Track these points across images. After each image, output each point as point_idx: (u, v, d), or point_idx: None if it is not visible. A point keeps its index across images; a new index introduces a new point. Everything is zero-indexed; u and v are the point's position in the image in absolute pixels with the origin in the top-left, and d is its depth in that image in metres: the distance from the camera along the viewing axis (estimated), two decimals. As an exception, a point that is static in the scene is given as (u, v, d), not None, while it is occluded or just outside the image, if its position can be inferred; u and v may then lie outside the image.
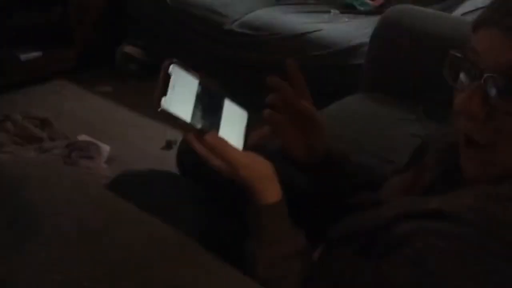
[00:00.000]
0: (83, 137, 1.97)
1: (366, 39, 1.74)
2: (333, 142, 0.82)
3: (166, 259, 0.65)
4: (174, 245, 0.68)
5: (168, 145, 2.02)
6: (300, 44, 2.04)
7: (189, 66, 0.71)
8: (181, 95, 0.69)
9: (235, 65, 2.19)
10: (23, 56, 2.33)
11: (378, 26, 1.64)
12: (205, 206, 0.89)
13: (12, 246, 0.65)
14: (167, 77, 0.68)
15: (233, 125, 0.74)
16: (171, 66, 0.68)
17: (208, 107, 0.72)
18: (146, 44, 2.55)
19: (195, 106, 0.70)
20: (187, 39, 2.32)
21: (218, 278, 0.64)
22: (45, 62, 2.40)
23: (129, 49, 2.58)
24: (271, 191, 0.70)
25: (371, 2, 2.31)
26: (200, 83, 0.72)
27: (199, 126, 0.69)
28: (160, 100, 0.66)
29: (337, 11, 2.27)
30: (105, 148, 1.95)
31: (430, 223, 0.57)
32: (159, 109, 0.66)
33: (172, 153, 1.03)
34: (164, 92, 0.67)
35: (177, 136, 1.91)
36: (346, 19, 2.19)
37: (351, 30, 2.05)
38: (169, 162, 1.07)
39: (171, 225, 0.69)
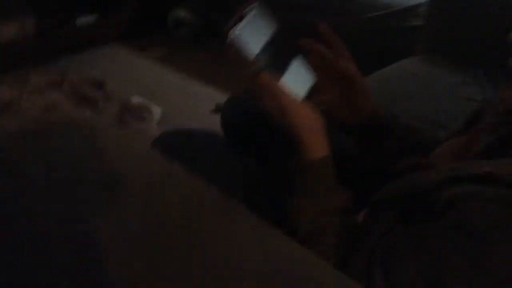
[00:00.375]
0: (136, 99, 2.02)
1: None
2: (382, 104, 0.79)
3: (210, 218, 0.65)
4: (218, 205, 0.68)
5: (218, 109, 2.03)
6: (354, 5, 1.96)
7: (271, 13, 0.72)
8: (254, 34, 0.70)
9: (284, 29, 2.14)
10: (79, 21, 2.39)
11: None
12: (247, 168, 0.89)
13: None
14: (245, 14, 0.69)
15: (296, 81, 0.74)
16: (252, 6, 0.70)
17: (277, 54, 0.72)
18: (197, 9, 2.54)
19: (264, 49, 0.70)
20: (238, 2, 2.28)
21: (263, 237, 0.63)
22: (99, 27, 2.45)
23: (180, 13, 2.58)
24: (319, 144, 0.69)
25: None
26: (276, 31, 0.72)
27: (262, 65, 0.69)
28: (231, 30, 0.67)
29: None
30: (157, 109, 1.99)
31: (481, 187, 0.54)
32: (228, 39, 0.67)
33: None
34: (237, 25, 0.68)
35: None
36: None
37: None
38: (219, 124, 1.09)
39: (212, 184, 0.69)
